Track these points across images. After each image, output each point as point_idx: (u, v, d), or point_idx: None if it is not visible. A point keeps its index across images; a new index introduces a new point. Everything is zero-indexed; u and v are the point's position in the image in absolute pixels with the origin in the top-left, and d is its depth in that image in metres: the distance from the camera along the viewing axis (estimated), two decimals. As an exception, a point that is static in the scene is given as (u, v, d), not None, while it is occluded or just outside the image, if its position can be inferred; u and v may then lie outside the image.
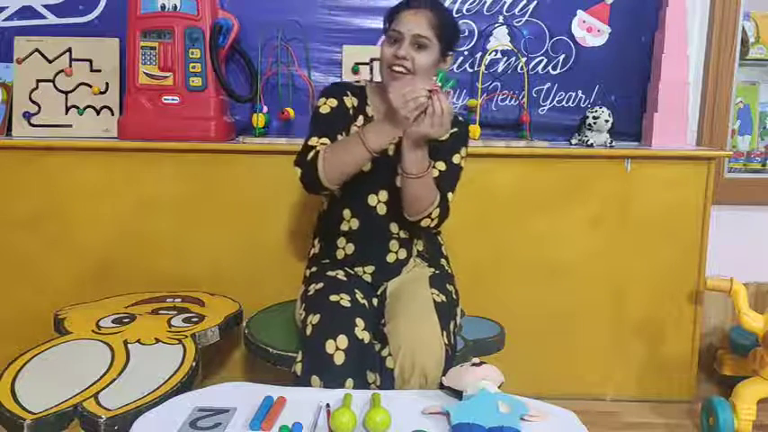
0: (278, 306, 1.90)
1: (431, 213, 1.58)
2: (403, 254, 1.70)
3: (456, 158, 1.67)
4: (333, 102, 1.65)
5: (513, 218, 2.17)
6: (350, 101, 1.68)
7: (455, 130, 1.67)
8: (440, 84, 1.47)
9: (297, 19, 2.24)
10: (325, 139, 1.59)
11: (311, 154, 1.55)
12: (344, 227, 1.68)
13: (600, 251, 2.19)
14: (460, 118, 1.74)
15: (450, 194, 1.64)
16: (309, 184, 1.59)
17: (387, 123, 1.49)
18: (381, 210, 1.66)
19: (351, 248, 1.69)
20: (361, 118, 1.68)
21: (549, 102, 2.36)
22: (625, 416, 2.18)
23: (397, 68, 1.57)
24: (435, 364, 1.42)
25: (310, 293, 1.60)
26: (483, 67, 2.26)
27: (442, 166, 1.64)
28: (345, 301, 1.51)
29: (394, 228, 1.68)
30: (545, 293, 2.20)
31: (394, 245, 1.69)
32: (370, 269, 1.68)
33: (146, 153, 2.09)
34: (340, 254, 1.70)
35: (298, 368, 1.44)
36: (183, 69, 2.11)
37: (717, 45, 2.34)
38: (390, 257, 1.68)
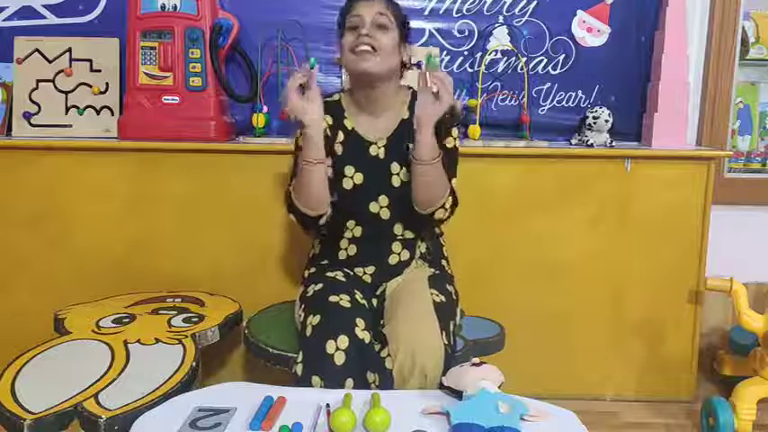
0: (278, 306, 1.90)
1: (444, 203, 1.58)
2: (406, 255, 1.69)
3: (449, 142, 1.65)
4: None
5: (512, 218, 2.17)
6: (325, 122, 1.66)
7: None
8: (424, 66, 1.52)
9: (297, 19, 2.24)
10: None
11: (288, 198, 1.62)
12: (348, 234, 1.69)
13: (600, 251, 2.19)
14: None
15: (453, 180, 1.64)
16: (306, 224, 1.65)
17: (303, 131, 1.53)
18: (385, 214, 1.66)
19: (353, 249, 1.69)
20: (341, 134, 1.66)
21: (549, 102, 2.36)
22: (625, 416, 2.19)
23: (361, 48, 1.55)
24: (435, 365, 1.41)
25: (309, 294, 1.60)
26: (483, 67, 2.26)
27: None
28: (345, 301, 1.52)
29: (398, 229, 1.68)
30: (545, 293, 2.20)
31: (397, 246, 1.68)
32: (370, 269, 1.68)
33: (146, 153, 2.09)
34: (342, 254, 1.70)
35: (298, 369, 1.44)
36: (182, 69, 2.11)
37: (717, 45, 2.35)
38: (393, 259, 1.68)
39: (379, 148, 1.66)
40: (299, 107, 1.50)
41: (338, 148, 1.66)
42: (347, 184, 1.64)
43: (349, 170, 1.64)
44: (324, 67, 2.29)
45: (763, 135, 2.47)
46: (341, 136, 1.66)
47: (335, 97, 1.72)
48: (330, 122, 1.67)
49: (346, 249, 1.69)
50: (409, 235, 1.69)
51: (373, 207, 1.65)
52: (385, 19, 1.57)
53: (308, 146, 1.54)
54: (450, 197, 1.60)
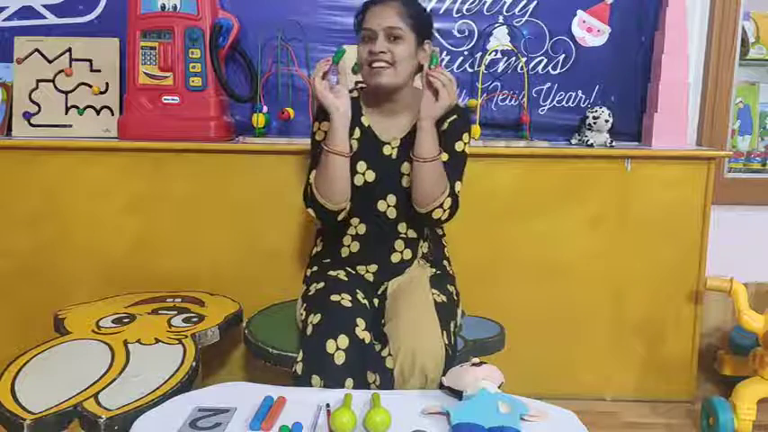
0: (278, 306, 1.90)
1: (442, 203, 1.58)
2: (408, 254, 1.69)
3: (459, 146, 1.66)
4: (326, 125, 1.65)
5: (513, 218, 2.17)
6: None
7: (454, 117, 1.66)
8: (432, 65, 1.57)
9: (297, 19, 2.24)
10: None
11: (308, 190, 1.62)
12: (351, 231, 1.69)
13: (600, 251, 2.19)
14: (460, 104, 1.73)
15: (457, 183, 1.64)
16: (325, 217, 1.64)
17: (332, 121, 1.55)
18: (391, 213, 1.66)
19: (356, 247, 1.69)
20: (357, 130, 1.66)
21: (549, 102, 2.36)
22: (625, 416, 2.19)
23: (376, 64, 1.57)
24: (435, 365, 1.41)
25: (311, 293, 1.61)
26: (483, 67, 2.26)
27: (444, 157, 1.63)
28: (346, 300, 1.52)
29: (402, 228, 1.68)
30: (545, 293, 2.20)
31: (400, 245, 1.69)
32: (372, 268, 1.68)
33: (146, 153, 2.09)
34: (344, 252, 1.70)
35: (298, 368, 1.44)
36: (182, 69, 2.11)
37: (717, 45, 2.34)
38: (395, 257, 1.68)
39: (392, 148, 1.66)
40: (323, 95, 1.54)
41: (353, 144, 1.66)
42: (358, 181, 1.64)
43: (361, 166, 1.64)
44: (324, 67, 2.29)
45: (763, 135, 2.47)
46: (357, 132, 1.66)
47: (354, 93, 1.72)
48: (348, 117, 1.67)
49: (349, 247, 1.69)
50: (412, 234, 1.69)
51: (381, 205, 1.66)
52: (398, 31, 1.57)
53: (332, 135, 1.56)
54: (450, 198, 1.59)
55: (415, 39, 1.60)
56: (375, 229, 1.67)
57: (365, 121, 1.68)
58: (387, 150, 1.66)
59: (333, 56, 1.57)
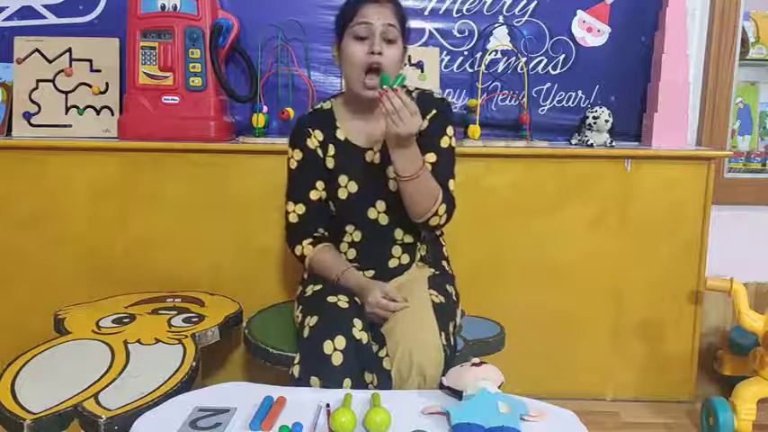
0: (278, 306, 1.90)
1: (437, 210, 1.56)
2: (406, 259, 1.69)
3: (444, 142, 1.62)
4: (298, 154, 1.65)
5: (513, 218, 2.17)
6: (313, 141, 1.65)
7: (433, 112, 1.62)
8: (385, 86, 1.45)
9: (297, 19, 2.24)
10: (300, 206, 1.64)
11: (298, 252, 1.66)
12: (347, 239, 1.68)
13: (600, 251, 2.19)
14: (436, 95, 1.67)
15: (450, 182, 1.62)
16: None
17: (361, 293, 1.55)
18: (383, 220, 1.65)
19: (353, 253, 1.68)
20: (331, 147, 1.65)
21: (549, 102, 2.36)
22: (625, 416, 2.19)
23: (374, 66, 1.53)
24: (433, 365, 1.41)
25: (307, 294, 1.60)
26: (483, 67, 2.26)
27: (432, 157, 1.60)
28: (343, 302, 1.51)
29: (398, 234, 1.66)
30: (545, 293, 2.20)
31: (397, 250, 1.68)
32: (370, 273, 1.67)
33: (146, 153, 2.09)
34: (341, 258, 1.70)
35: (295, 370, 1.43)
36: (183, 69, 2.11)
37: (717, 45, 2.34)
38: (392, 263, 1.68)
39: (375, 153, 1.64)
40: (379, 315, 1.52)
41: (329, 162, 1.65)
42: (342, 194, 1.63)
43: (342, 180, 1.63)
44: (323, 67, 2.29)
45: (763, 135, 2.47)
46: (331, 150, 1.65)
47: (327, 105, 1.69)
48: (320, 139, 1.65)
49: (346, 253, 1.69)
50: (409, 239, 1.68)
51: (371, 213, 1.64)
52: (393, 31, 1.54)
53: (348, 283, 1.58)
54: (443, 204, 1.57)
55: (402, 43, 1.59)
56: (370, 235, 1.66)
57: (340, 134, 1.65)
58: (369, 156, 1.64)
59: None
